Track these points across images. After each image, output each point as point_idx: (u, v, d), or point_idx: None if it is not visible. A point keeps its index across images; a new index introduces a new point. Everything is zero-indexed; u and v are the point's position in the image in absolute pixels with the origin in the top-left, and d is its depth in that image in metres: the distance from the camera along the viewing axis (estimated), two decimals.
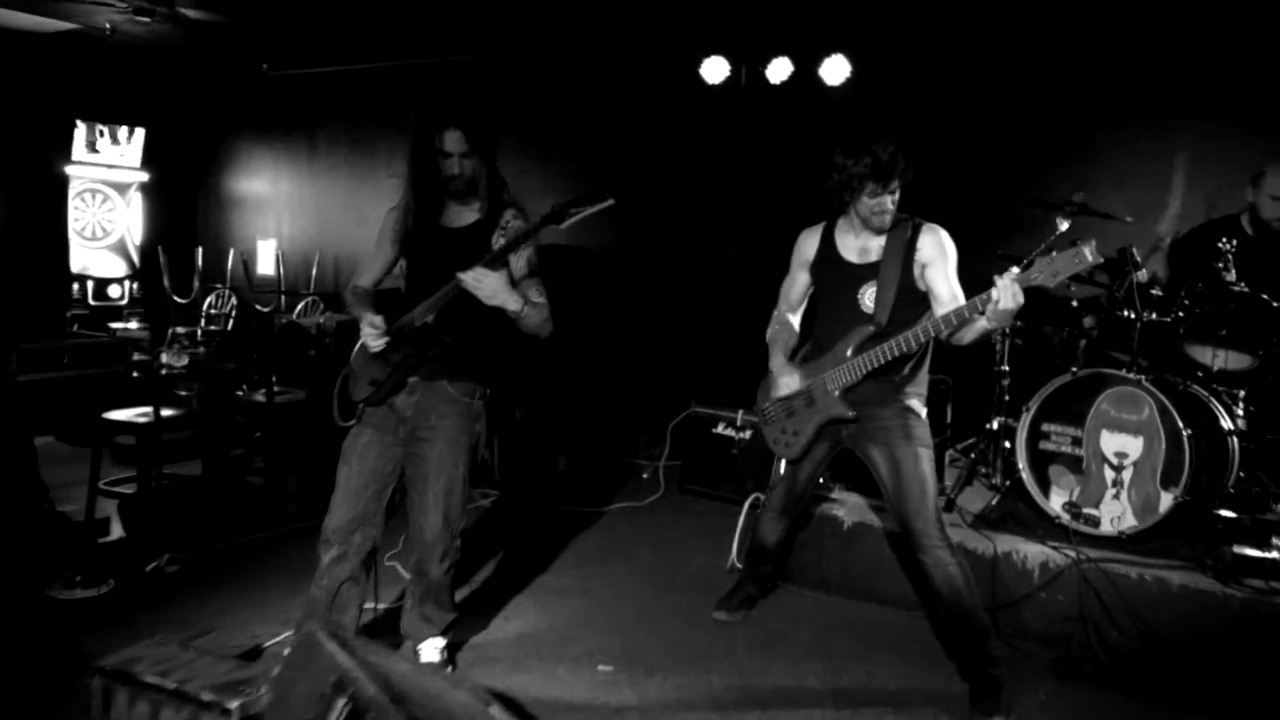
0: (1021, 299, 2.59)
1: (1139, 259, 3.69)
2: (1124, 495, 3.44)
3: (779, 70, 5.47)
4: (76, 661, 2.38)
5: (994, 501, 3.83)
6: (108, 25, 5.99)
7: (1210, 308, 3.50)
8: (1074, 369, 3.59)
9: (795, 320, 3.26)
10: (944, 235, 2.95)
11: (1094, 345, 3.85)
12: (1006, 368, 4.01)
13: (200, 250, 7.74)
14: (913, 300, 2.94)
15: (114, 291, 7.64)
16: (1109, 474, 3.49)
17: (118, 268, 7.73)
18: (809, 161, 3.24)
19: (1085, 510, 3.53)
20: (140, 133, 7.72)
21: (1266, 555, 3.12)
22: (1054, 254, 2.60)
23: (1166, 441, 3.33)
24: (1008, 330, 4.05)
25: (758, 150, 5.60)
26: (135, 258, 7.83)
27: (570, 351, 5.95)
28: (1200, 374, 3.66)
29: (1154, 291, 3.68)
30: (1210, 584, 3.10)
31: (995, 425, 4.04)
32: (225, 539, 4.01)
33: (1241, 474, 3.49)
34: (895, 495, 2.94)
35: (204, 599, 3.40)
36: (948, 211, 3.20)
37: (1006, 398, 4.03)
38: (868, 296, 2.98)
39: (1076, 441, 3.58)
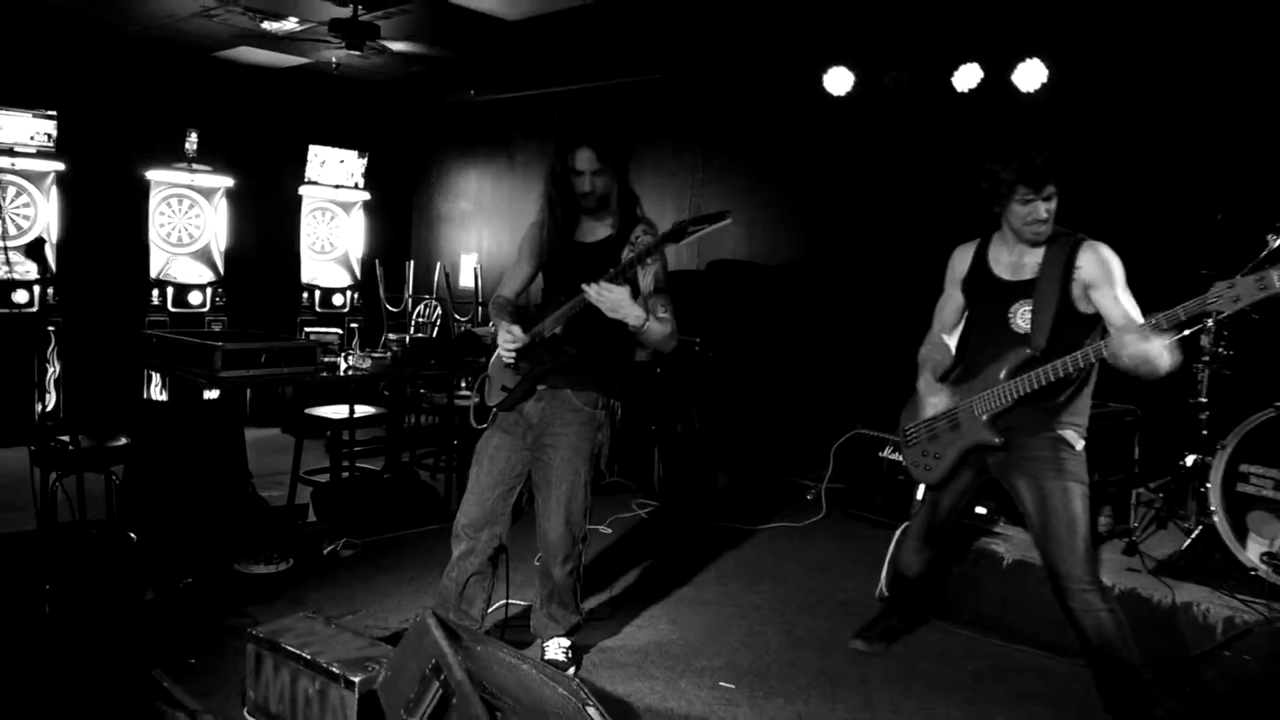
0: (1135, 348, 2.43)
1: None
2: None
3: (967, 77, 5.22)
4: (242, 629, 2.66)
5: (1183, 547, 3.43)
6: (334, 60, 6.66)
7: None
8: (1278, 403, 3.16)
9: (950, 341, 3.09)
10: (1107, 252, 2.70)
11: None
12: (1205, 399, 3.59)
13: (410, 263, 8.40)
14: (1074, 322, 2.71)
15: (337, 300, 8.43)
16: None
17: (342, 279, 8.53)
18: None
19: None
20: (361, 156, 8.49)
21: None
22: (1237, 278, 2.35)
23: None
24: (1208, 357, 3.63)
25: (938, 162, 5.35)
26: (357, 270, 8.60)
27: (737, 367, 5.95)
28: None
29: None
30: None
31: (1190, 463, 3.62)
32: (400, 529, 4.33)
33: None
34: (1040, 532, 2.72)
35: (369, 581, 3.69)
36: (1156, 226, 2.90)
37: (1205, 433, 3.61)
38: (1021, 316, 2.78)
39: (1279, 485, 3.15)
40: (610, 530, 4.56)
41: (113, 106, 6.92)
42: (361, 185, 8.44)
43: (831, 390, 5.69)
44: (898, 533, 3.75)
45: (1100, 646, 2.62)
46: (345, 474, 4.73)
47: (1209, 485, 3.32)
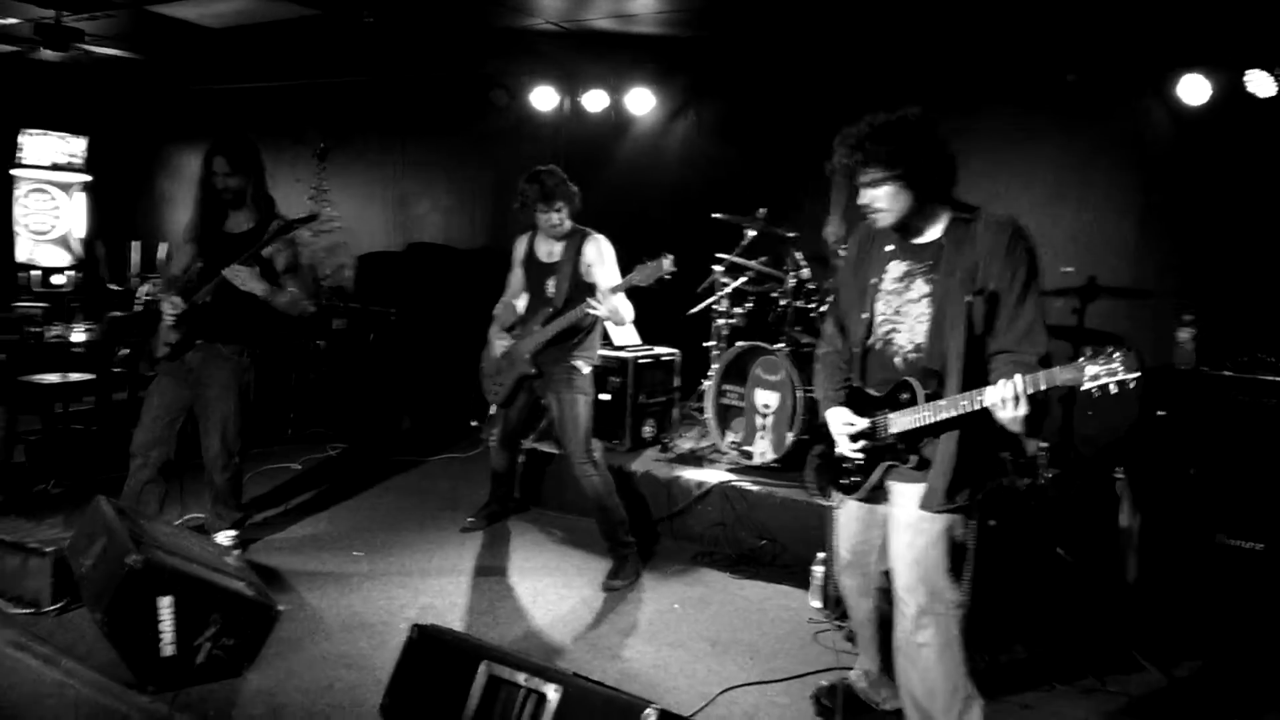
0: (600, 308, 3.76)
1: (800, 261, 4.83)
2: (767, 435, 4.58)
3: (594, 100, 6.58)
4: None
5: (698, 443, 4.98)
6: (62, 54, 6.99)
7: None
8: (739, 344, 4.73)
9: (518, 303, 4.36)
10: (604, 243, 4.07)
11: (772, 324, 4.94)
12: (714, 342, 5.12)
13: (138, 244, 8.81)
14: (582, 290, 4.04)
15: (58, 280, 8.72)
16: (759, 420, 4.62)
17: (62, 259, 8.81)
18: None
19: (745, 447, 4.67)
20: (81, 139, 8.79)
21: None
22: (647, 261, 3.74)
23: (791, 396, 4.46)
24: (720, 312, 5.13)
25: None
26: (80, 250, 8.90)
27: (429, 332, 7.06)
28: None
29: (809, 286, 4.80)
30: (804, 495, 4.22)
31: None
32: (106, 472, 5.09)
33: None
34: (559, 428, 4.08)
35: (71, 508, 4.49)
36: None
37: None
38: (550, 286, 4.11)
39: (742, 397, 4.72)
40: (300, 466, 5.57)
41: None
42: (83, 167, 8.76)
43: None
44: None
45: (593, 498, 4.02)
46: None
47: (705, 400, 4.85)
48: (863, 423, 2.53)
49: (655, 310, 4.64)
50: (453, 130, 7.45)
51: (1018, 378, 2.19)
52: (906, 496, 2.49)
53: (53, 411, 5.37)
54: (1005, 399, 2.19)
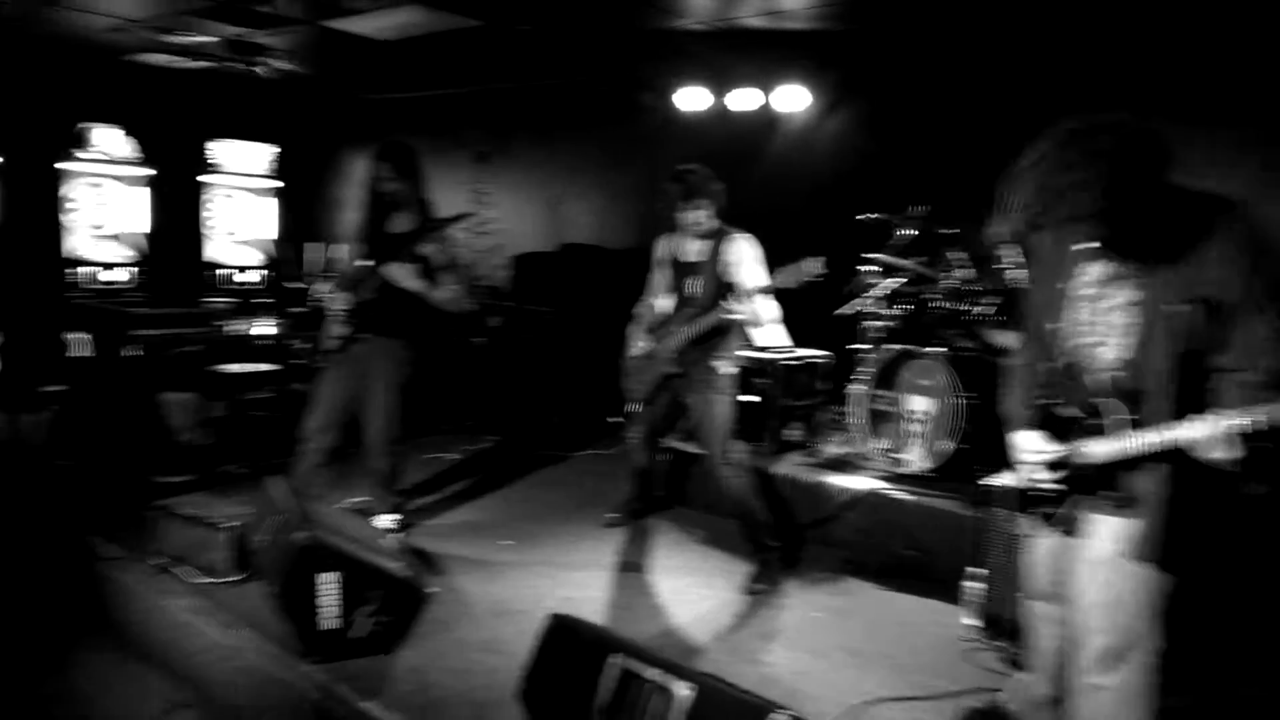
0: (740, 310, 3.75)
1: (959, 261, 4.61)
2: (920, 443, 4.40)
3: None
4: (153, 507, 3.84)
5: (845, 448, 4.84)
6: (258, 69, 7.59)
7: (998, 301, 4.38)
8: (891, 347, 4.56)
9: (660, 304, 4.35)
10: (744, 243, 4.01)
11: (926, 327, 4.74)
12: (863, 345, 4.96)
13: (323, 245, 9.42)
14: (724, 289, 4.00)
15: (247, 278, 9.45)
16: (912, 427, 4.44)
17: (251, 259, 9.56)
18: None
19: (897, 455, 4.49)
20: (272, 149, 9.50)
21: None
22: (789, 264, 3.66)
23: (948, 403, 4.26)
24: (870, 314, 4.97)
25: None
26: (267, 251, 9.63)
27: (581, 330, 7.20)
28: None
29: (967, 288, 4.56)
30: (960, 508, 4.01)
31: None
32: (286, 455, 5.48)
33: None
34: (698, 428, 4.07)
35: (251, 487, 4.85)
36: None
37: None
38: (693, 286, 4.10)
39: (893, 402, 4.55)
40: (456, 456, 5.81)
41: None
42: (272, 173, 9.45)
43: None
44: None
45: (735, 500, 3.98)
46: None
47: (854, 406, 4.71)
48: (1055, 449, 2.30)
49: (803, 311, 4.55)
50: (604, 132, 7.58)
51: (1218, 416, 1.94)
52: (1107, 532, 2.24)
53: (238, 399, 5.84)
54: (1197, 440, 1.96)
